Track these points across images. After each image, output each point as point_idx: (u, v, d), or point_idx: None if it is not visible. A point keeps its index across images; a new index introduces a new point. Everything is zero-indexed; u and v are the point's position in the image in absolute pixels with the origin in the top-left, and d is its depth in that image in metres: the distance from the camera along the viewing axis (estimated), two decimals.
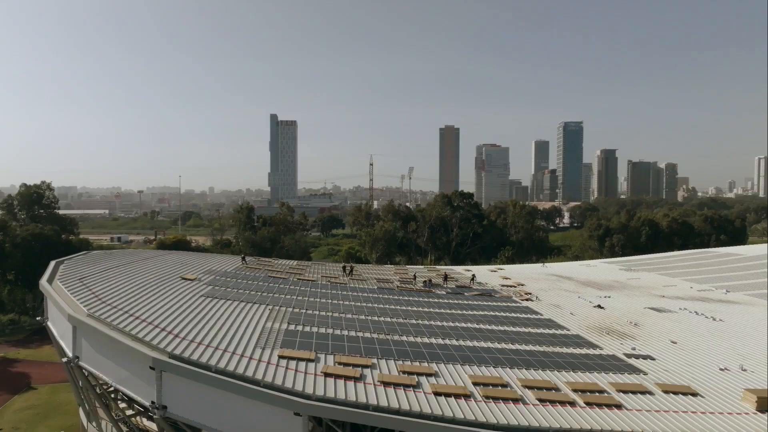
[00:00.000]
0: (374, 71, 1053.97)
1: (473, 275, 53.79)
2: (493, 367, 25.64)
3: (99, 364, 24.68)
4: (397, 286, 46.12)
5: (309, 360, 23.71)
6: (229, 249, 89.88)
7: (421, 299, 41.10)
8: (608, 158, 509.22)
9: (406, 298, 40.91)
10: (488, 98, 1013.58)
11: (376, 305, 36.74)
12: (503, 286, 51.69)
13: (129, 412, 28.86)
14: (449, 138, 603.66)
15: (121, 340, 23.01)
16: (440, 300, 41.47)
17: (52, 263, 35.84)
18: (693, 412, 22.31)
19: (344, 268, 51.14)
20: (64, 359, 25.85)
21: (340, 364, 23.70)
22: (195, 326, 26.30)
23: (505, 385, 23.33)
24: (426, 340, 29.18)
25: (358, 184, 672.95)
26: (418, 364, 24.85)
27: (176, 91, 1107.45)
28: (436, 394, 21.55)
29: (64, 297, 28.29)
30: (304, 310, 32.68)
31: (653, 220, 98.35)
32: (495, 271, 63.64)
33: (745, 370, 27.88)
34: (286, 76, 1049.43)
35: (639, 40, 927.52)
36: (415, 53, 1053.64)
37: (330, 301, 36.80)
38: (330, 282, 45.59)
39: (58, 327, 28.72)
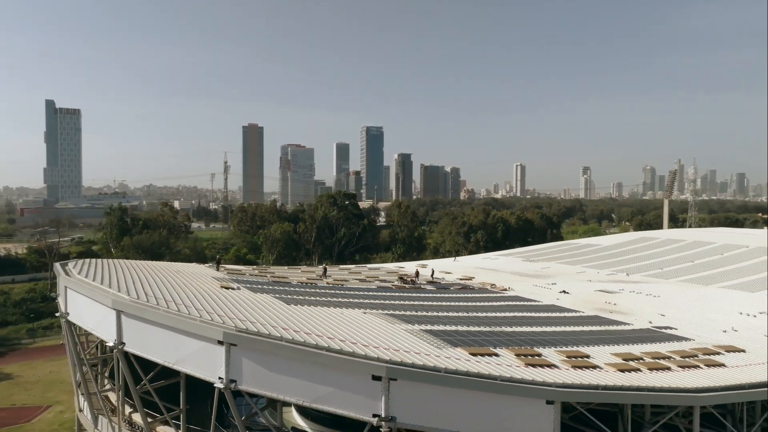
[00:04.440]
0: (167, 64, 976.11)
1: (432, 270, 56.95)
2: (608, 345, 29.40)
3: (274, 384, 21.94)
4: (393, 285, 47.04)
5: (494, 355, 24.63)
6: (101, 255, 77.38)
7: (438, 295, 43.02)
8: (405, 161, 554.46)
9: (429, 295, 42.46)
10: (292, 100, 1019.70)
11: (428, 302, 37.78)
12: (460, 279, 55.84)
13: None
14: (253, 136, 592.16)
15: (334, 356, 21.09)
16: (451, 295, 43.89)
17: (79, 277, 29.11)
18: (756, 364, 29.05)
19: (325, 269, 50.17)
20: (221, 385, 22.03)
21: (519, 355, 25.07)
22: (356, 333, 24.92)
23: (640, 359, 27.30)
24: (524, 329, 31.69)
25: (149, 182, 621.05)
26: (568, 348, 27.42)
27: None
28: (621, 371, 24.57)
29: (173, 312, 23.96)
30: (390, 311, 32.35)
31: (504, 217, 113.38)
32: (425, 267, 67.53)
33: (736, 330, 36.41)
34: (62, 60, 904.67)
35: (424, 56, 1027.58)
36: (211, 49, 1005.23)
37: (381, 301, 36.62)
38: (328, 283, 44.51)
39: (169, 350, 24.01)
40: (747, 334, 35.32)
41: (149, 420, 28.53)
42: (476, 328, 30.05)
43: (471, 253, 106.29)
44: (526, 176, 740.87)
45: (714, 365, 27.42)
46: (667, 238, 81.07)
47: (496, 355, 24.66)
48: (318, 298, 34.06)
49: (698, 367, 26.81)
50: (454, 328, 29.39)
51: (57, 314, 30.92)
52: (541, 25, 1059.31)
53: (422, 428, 21.19)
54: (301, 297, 33.54)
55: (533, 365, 23.61)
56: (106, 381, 34.76)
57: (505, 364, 23.38)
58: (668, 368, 25.90)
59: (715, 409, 25.86)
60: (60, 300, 32.18)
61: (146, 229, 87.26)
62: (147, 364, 26.16)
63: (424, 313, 33.11)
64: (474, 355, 24.07)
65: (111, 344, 25.35)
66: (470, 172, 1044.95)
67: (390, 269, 63.57)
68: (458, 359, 23.18)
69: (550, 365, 23.95)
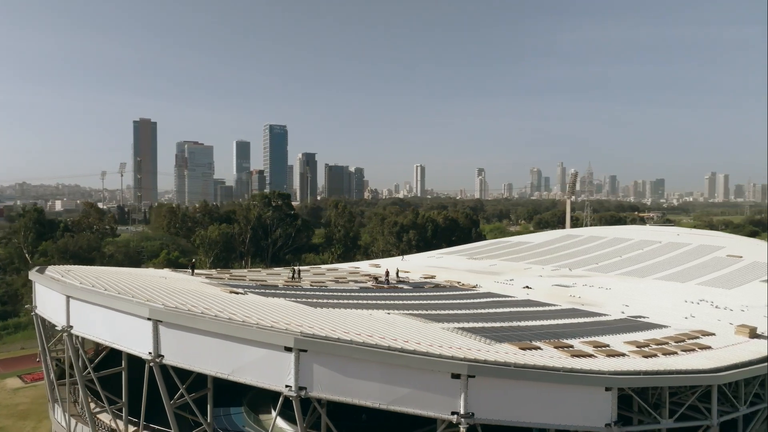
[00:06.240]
0: (34, 50, 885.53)
1: (397, 269, 57.65)
2: (614, 334, 31.87)
3: (349, 389, 21.56)
4: (374, 285, 47.18)
5: (538, 348, 25.92)
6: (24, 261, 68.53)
7: (424, 294, 43.90)
8: (309, 161, 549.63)
9: (417, 294, 43.18)
10: (188, 96, 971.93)
11: (426, 301, 38.43)
12: (423, 278, 57.11)
13: None
14: (145, 132, 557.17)
15: (415, 357, 21.16)
16: (436, 293, 44.96)
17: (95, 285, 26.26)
18: (733, 345, 33.00)
19: (298, 271, 49.06)
20: (291, 393, 21.19)
21: (558, 348, 26.57)
22: (407, 334, 25.05)
23: (647, 345, 29.98)
24: (534, 323, 33.44)
25: (22, 181, 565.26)
26: (588, 339, 29.40)
27: None
28: (644, 357, 26.90)
29: (223, 320, 22.68)
30: (408, 311, 32.62)
31: (432, 217, 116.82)
32: (378, 266, 68.10)
33: (694, 317, 40.85)
34: None
35: (325, 58, 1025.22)
36: (94, 39, 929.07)
37: (386, 302, 36.76)
38: (312, 285, 43.76)
39: (222, 360, 22.58)
40: (704, 319, 39.74)
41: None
42: (496, 324, 31.29)
43: (403, 252, 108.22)
44: (426, 177, 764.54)
45: (703, 348, 30.73)
46: (589, 235, 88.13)
47: (539, 348, 25.99)
48: (329, 300, 33.55)
49: (694, 350, 29.94)
50: (480, 325, 30.39)
51: (58, 327, 27.57)
52: (439, 34, 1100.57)
53: (497, 422, 21.94)
54: (314, 300, 32.86)
55: (577, 356, 25.20)
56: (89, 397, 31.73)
57: (557, 356, 24.76)
58: (675, 353, 28.72)
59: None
60: (49, 311, 28.79)
61: (68, 232, 78.82)
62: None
63: (437, 312, 33.84)
64: (523, 349, 25.20)
65: (147, 357, 23.34)
66: (372, 173, 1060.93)
67: (348, 269, 63.50)
68: (515, 354, 24.21)
69: (589, 355, 25.71)
